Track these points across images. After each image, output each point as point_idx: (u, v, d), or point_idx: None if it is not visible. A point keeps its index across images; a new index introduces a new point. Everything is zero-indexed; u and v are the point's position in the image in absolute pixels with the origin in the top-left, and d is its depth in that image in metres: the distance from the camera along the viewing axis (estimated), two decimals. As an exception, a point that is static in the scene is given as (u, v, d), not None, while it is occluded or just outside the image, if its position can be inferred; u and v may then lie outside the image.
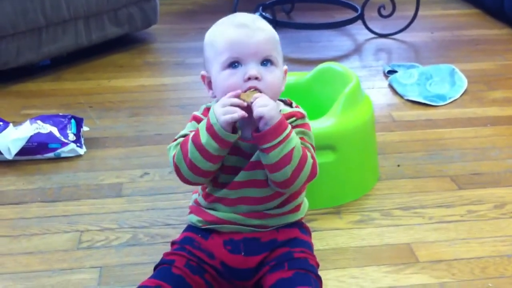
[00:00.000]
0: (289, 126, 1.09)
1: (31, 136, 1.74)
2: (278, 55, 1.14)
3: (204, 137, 1.08)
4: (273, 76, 1.12)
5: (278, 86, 1.14)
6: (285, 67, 1.18)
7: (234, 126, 1.09)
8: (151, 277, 1.15)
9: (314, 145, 1.18)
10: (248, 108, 1.07)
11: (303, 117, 1.17)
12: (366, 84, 2.23)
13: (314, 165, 1.13)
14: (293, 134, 1.09)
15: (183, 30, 2.85)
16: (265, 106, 1.05)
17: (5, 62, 2.21)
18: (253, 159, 1.14)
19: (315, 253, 1.22)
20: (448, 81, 2.27)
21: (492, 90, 2.24)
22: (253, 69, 1.09)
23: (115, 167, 1.73)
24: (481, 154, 1.80)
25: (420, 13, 2.79)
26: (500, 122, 1.99)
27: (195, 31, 2.80)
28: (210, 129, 1.08)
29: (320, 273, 1.17)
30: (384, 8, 2.73)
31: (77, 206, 1.55)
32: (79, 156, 1.78)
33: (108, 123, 1.99)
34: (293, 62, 2.50)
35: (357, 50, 2.70)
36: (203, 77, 1.19)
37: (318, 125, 1.48)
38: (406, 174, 1.70)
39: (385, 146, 1.83)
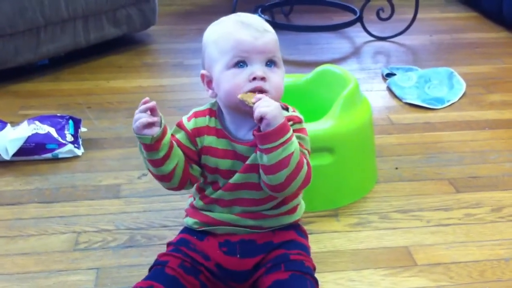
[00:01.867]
0: (291, 129, 1.09)
1: (29, 137, 1.73)
2: (280, 57, 1.15)
3: (141, 152, 1.14)
4: (277, 77, 1.12)
5: (281, 87, 1.14)
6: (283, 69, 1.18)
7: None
8: (145, 278, 1.14)
9: (309, 151, 1.17)
10: (247, 109, 1.07)
11: (300, 121, 1.16)
12: (364, 86, 2.23)
13: (308, 172, 1.12)
14: (294, 138, 1.09)
15: (182, 31, 2.85)
16: (268, 106, 1.05)
17: (3, 61, 2.20)
18: (248, 161, 1.13)
19: (312, 255, 1.21)
20: (446, 84, 2.27)
21: (491, 93, 2.24)
22: (259, 69, 1.09)
23: (113, 168, 1.72)
24: (479, 157, 1.80)
25: (418, 16, 2.79)
26: (498, 126, 1.99)
27: (193, 32, 2.80)
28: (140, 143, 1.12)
29: (317, 275, 1.17)
30: (383, 11, 2.73)
31: (75, 207, 1.55)
32: (77, 157, 1.78)
33: (106, 124, 1.99)
34: (291, 64, 2.50)
35: (356, 52, 2.70)
36: (202, 76, 1.18)
37: (316, 127, 1.48)
38: (404, 177, 1.70)
39: (383, 149, 1.83)
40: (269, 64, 1.11)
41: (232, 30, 1.12)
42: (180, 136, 1.17)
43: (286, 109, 1.19)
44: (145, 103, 1.10)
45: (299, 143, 1.12)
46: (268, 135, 1.05)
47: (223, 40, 1.12)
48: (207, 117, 1.18)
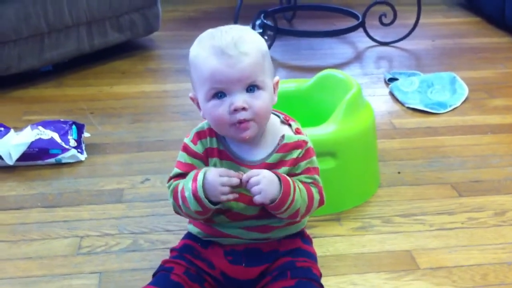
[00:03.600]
0: (291, 191, 1.08)
1: (32, 142, 1.74)
2: (265, 74, 1.08)
3: (192, 205, 1.08)
4: (261, 102, 1.06)
5: (267, 110, 1.08)
6: (277, 77, 1.13)
7: None
8: (149, 283, 1.14)
9: (318, 167, 1.17)
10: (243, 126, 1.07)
11: (307, 143, 1.14)
12: (367, 91, 2.23)
13: (321, 200, 1.16)
14: (297, 195, 1.09)
15: (185, 36, 2.84)
16: (259, 193, 1.05)
17: (7, 67, 2.21)
18: None
19: (315, 259, 1.22)
20: (449, 89, 2.27)
21: (493, 98, 2.24)
22: (238, 99, 1.04)
23: (116, 173, 1.73)
24: (481, 161, 1.80)
25: (421, 21, 2.79)
26: (501, 130, 1.99)
27: (197, 38, 2.80)
28: (199, 201, 1.07)
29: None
30: (385, 16, 2.73)
31: (78, 212, 1.55)
32: (80, 162, 1.78)
33: (109, 129, 2.00)
34: (294, 69, 2.51)
35: (358, 57, 2.70)
36: (192, 99, 1.13)
37: (319, 132, 1.48)
38: (407, 181, 1.70)
39: (386, 154, 1.83)
40: (251, 89, 1.05)
41: (206, 57, 1.05)
42: (194, 161, 1.14)
43: (289, 124, 1.16)
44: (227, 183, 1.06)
45: (308, 168, 1.14)
46: (271, 209, 1.09)
47: (199, 67, 1.06)
48: (208, 138, 1.14)
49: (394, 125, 2.03)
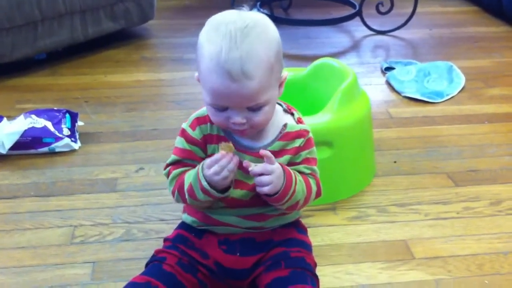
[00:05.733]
0: (293, 183, 1.08)
1: (25, 131, 1.72)
2: (271, 87, 1.03)
3: (200, 195, 1.08)
4: (261, 117, 1.04)
5: (266, 121, 1.07)
6: (285, 73, 1.09)
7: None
8: (142, 273, 1.13)
9: (316, 158, 1.18)
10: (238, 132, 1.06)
11: (308, 133, 1.15)
12: (363, 80, 2.22)
13: (318, 191, 1.16)
14: (298, 187, 1.09)
15: (180, 25, 2.84)
16: (269, 184, 1.04)
17: (0, 56, 2.19)
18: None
19: (310, 249, 1.21)
20: (445, 78, 2.26)
21: (490, 87, 2.23)
22: (238, 116, 1.02)
23: (110, 162, 1.72)
24: (478, 151, 1.79)
25: (418, 10, 2.78)
26: (498, 119, 1.99)
27: (192, 27, 2.78)
28: (204, 191, 1.07)
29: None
30: (382, 5, 2.72)
31: (71, 201, 1.54)
32: (74, 150, 1.77)
33: (103, 118, 1.98)
34: (290, 58, 2.49)
35: (355, 46, 2.69)
36: (198, 79, 1.09)
37: (314, 121, 1.47)
38: (403, 170, 1.69)
39: (382, 143, 1.82)
40: (253, 108, 1.03)
41: (210, 68, 0.99)
42: (192, 148, 1.13)
43: (291, 113, 1.16)
44: (222, 157, 1.05)
45: (307, 158, 1.14)
46: (273, 201, 1.09)
47: (204, 73, 1.02)
48: (208, 124, 1.12)
49: (391, 114, 2.02)
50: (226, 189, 1.08)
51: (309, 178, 1.14)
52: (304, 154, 1.14)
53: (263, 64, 0.99)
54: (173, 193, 1.14)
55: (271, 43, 1.02)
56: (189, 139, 1.12)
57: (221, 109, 1.03)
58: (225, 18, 1.02)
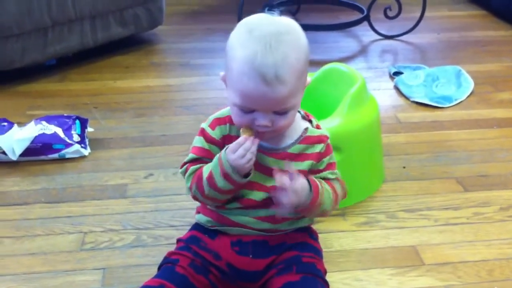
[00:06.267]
0: (320, 197, 1.11)
1: (36, 137, 1.73)
2: (299, 92, 1.06)
3: (220, 182, 1.09)
4: (286, 120, 1.07)
5: (290, 124, 1.10)
6: (309, 79, 1.11)
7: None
8: (155, 276, 1.14)
9: (336, 162, 1.21)
10: (260, 135, 1.07)
11: (327, 138, 1.18)
12: (371, 85, 2.22)
13: (344, 194, 1.20)
14: (325, 198, 1.13)
15: (189, 31, 2.85)
16: (295, 201, 1.07)
17: (10, 62, 2.21)
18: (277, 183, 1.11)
19: (320, 255, 1.21)
20: (454, 82, 2.26)
21: (499, 91, 2.23)
22: (264, 119, 1.04)
23: (120, 168, 1.72)
24: (487, 156, 1.79)
25: (426, 14, 2.77)
26: (507, 124, 1.98)
27: (201, 32, 2.80)
28: (226, 176, 1.08)
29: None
30: (390, 10, 2.71)
31: (81, 207, 1.55)
32: (84, 157, 1.78)
33: (113, 123, 1.99)
34: (298, 63, 2.49)
35: (363, 51, 2.69)
36: (223, 80, 1.10)
37: (323, 126, 1.47)
38: (412, 176, 1.69)
39: (391, 148, 1.82)
40: (280, 112, 1.05)
41: (242, 71, 1.01)
42: (211, 147, 1.14)
43: (309, 121, 1.18)
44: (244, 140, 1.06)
45: (329, 163, 1.18)
46: (302, 213, 1.13)
47: (235, 75, 1.03)
48: (228, 125, 1.13)
49: (399, 119, 2.02)
50: (248, 174, 1.09)
51: (335, 184, 1.18)
52: (326, 160, 1.17)
53: (294, 70, 1.02)
54: (190, 187, 1.15)
55: (302, 50, 1.04)
56: (208, 138, 1.14)
57: (248, 111, 1.05)
58: (258, 22, 1.05)
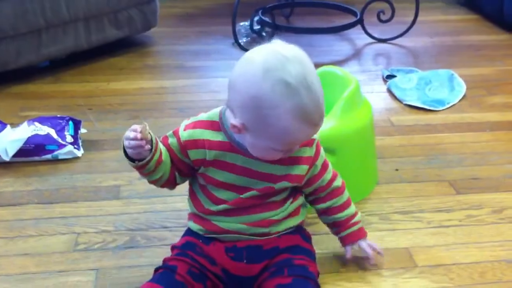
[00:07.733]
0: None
1: (29, 138, 1.73)
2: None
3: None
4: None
5: None
6: None
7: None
8: (154, 281, 1.13)
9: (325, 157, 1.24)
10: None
11: (314, 140, 1.19)
12: (365, 88, 2.22)
13: (343, 181, 1.31)
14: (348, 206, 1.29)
15: (183, 33, 2.85)
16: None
17: (4, 63, 2.20)
18: (268, 184, 1.14)
19: (313, 257, 1.21)
20: (447, 86, 2.27)
21: (492, 95, 2.24)
22: (286, 153, 1.09)
23: (113, 169, 1.72)
24: (480, 159, 1.80)
25: (419, 18, 2.79)
26: (499, 127, 1.99)
27: (195, 34, 2.80)
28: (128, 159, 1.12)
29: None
30: (384, 13, 2.73)
31: (74, 208, 1.55)
32: (77, 158, 1.78)
33: (107, 125, 1.99)
34: (292, 66, 2.49)
35: (356, 54, 2.70)
36: (237, 127, 1.04)
37: (317, 129, 1.48)
38: (405, 178, 1.70)
39: (384, 151, 1.82)
40: None
41: (294, 125, 0.99)
42: (172, 144, 1.15)
43: None
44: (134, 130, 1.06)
45: (322, 165, 1.23)
46: None
47: (280, 128, 1.00)
48: (209, 130, 1.13)
49: (392, 122, 2.03)
50: (140, 160, 1.09)
51: (334, 183, 1.25)
52: (319, 163, 1.21)
53: (324, 111, 1.04)
54: None
55: (315, 72, 1.04)
56: (175, 135, 1.16)
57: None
58: (282, 67, 1.00)
